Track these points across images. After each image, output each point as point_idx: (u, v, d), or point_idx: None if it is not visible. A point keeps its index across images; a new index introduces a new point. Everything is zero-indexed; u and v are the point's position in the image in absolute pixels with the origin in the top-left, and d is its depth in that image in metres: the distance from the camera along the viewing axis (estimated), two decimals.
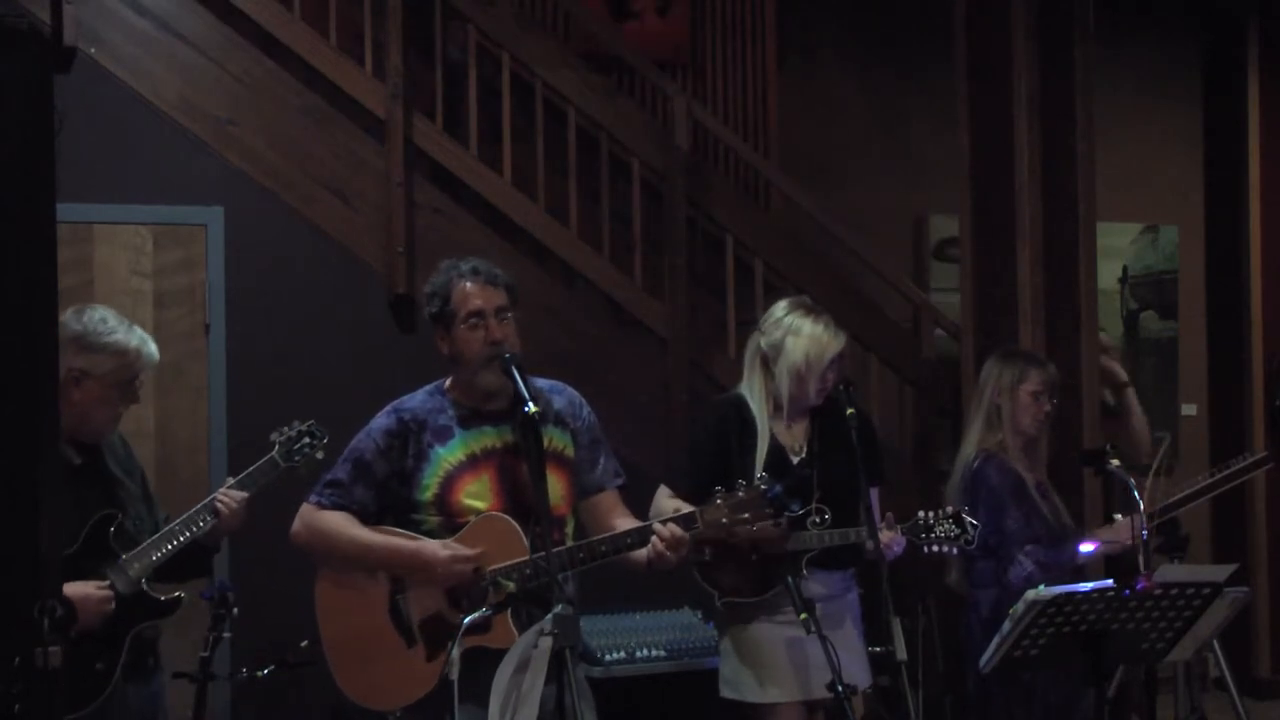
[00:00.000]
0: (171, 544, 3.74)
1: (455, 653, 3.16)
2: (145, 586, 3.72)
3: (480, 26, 5.99)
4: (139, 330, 3.75)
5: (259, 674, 4.18)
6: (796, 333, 4.16)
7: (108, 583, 3.63)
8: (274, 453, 3.89)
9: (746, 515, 3.31)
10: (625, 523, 3.49)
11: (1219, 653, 5.03)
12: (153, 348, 3.76)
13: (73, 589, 3.54)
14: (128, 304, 5.29)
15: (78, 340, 3.66)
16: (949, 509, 4.12)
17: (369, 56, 5.80)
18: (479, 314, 3.40)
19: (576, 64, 6.24)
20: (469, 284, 3.42)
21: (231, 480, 3.86)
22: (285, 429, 3.92)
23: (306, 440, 3.89)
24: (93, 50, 5.35)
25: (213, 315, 5.49)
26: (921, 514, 4.10)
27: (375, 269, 5.70)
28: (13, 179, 2.61)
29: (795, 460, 4.18)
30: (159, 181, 5.48)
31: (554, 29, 6.65)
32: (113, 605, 3.61)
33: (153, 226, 5.46)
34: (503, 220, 5.95)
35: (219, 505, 3.78)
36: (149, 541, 3.73)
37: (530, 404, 3.23)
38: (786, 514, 3.97)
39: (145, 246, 5.45)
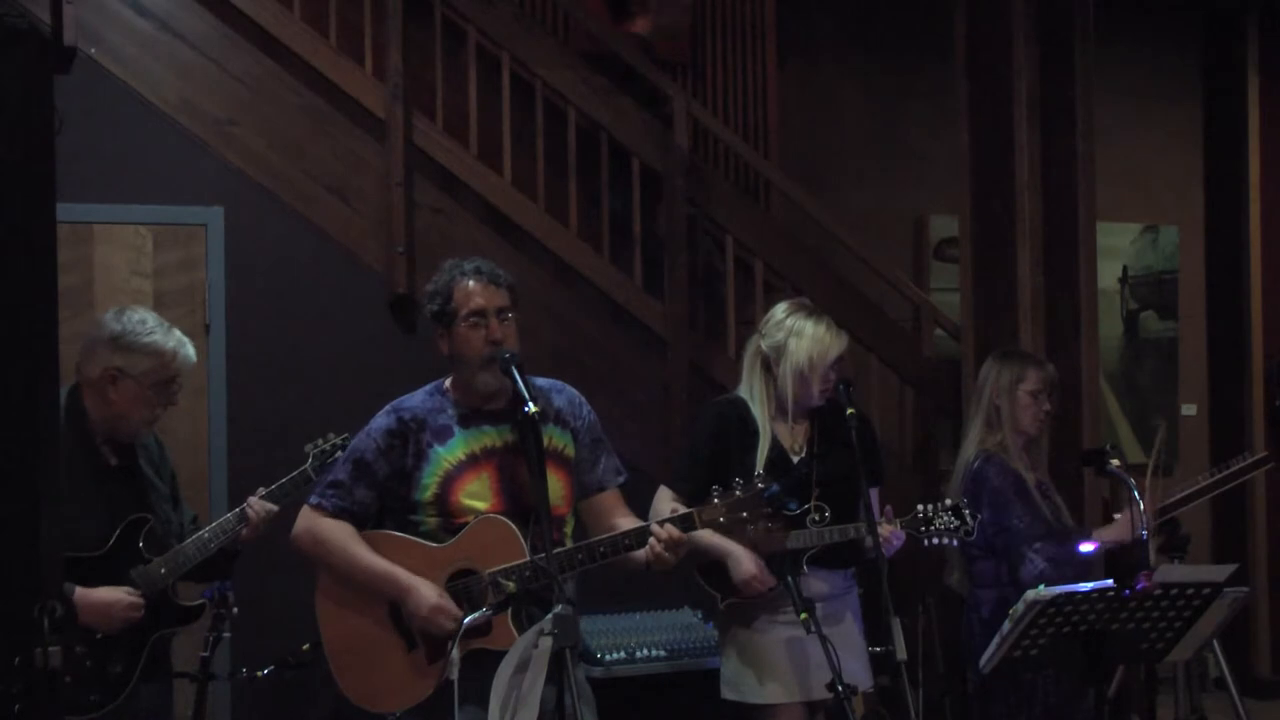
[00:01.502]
0: (200, 552, 3.77)
1: (455, 654, 3.16)
2: (171, 593, 3.75)
3: (480, 26, 5.99)
4: (178, 333, 3.79)
5: (259, 674, 4.18)
6: (799, 334, 4.16)
7: (139, 590, 3.65)
8: (307, 465, 3.92)
9: (744, 514, 3.31)
10: (626, 522, 3.48)
11: (1219, 653, 5.02)
12: (190, 350, 3.79)
13: (104, 594, 3.58)
14: (128, 304, 5.28)
15: (116, 340, 3.69)
16: (948, 501, 4.12)
17: (369, 56, 5.80)
18: (480, 313, 3.40)
19: (576, 64, 6.24)
20: (472, 283, 3.42)
21: (263, 490, 3.88)
22: (320, 441, 3.93)
23: (340, 454, 3.85)
24: (93, 50, 5.35)
25: (213, 315, 5.49)
26: (920, 507, 4.10)
27: (375, 269, 5.70)
28: (13, 179, 2.61)
29: (795, 460, 4.19)
30: (159, 181, 5.48)
31: (554, 29, 6.66)
32: (142, 612, 3.64)
33: (153, 226, 5.46)
34: (503, 220, 5.95)
35: (249, 513, 3.80)
36: (178, 548, 3.76)
37: (530, 404, 3.23)
38: (785, 512, 3.97)
39: (145, 246, 5.45)
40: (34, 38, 2.69)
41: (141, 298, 5.35)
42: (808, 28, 7.34)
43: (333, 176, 5.69)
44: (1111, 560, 4.74)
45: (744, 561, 4.00)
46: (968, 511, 4.10)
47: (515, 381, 3.29)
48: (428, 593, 3.33)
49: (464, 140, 5.91)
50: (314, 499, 3.51)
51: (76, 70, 5.27)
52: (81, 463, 3.68)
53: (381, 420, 3.48)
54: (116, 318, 3.75)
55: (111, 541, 3.67)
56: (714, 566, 4.14)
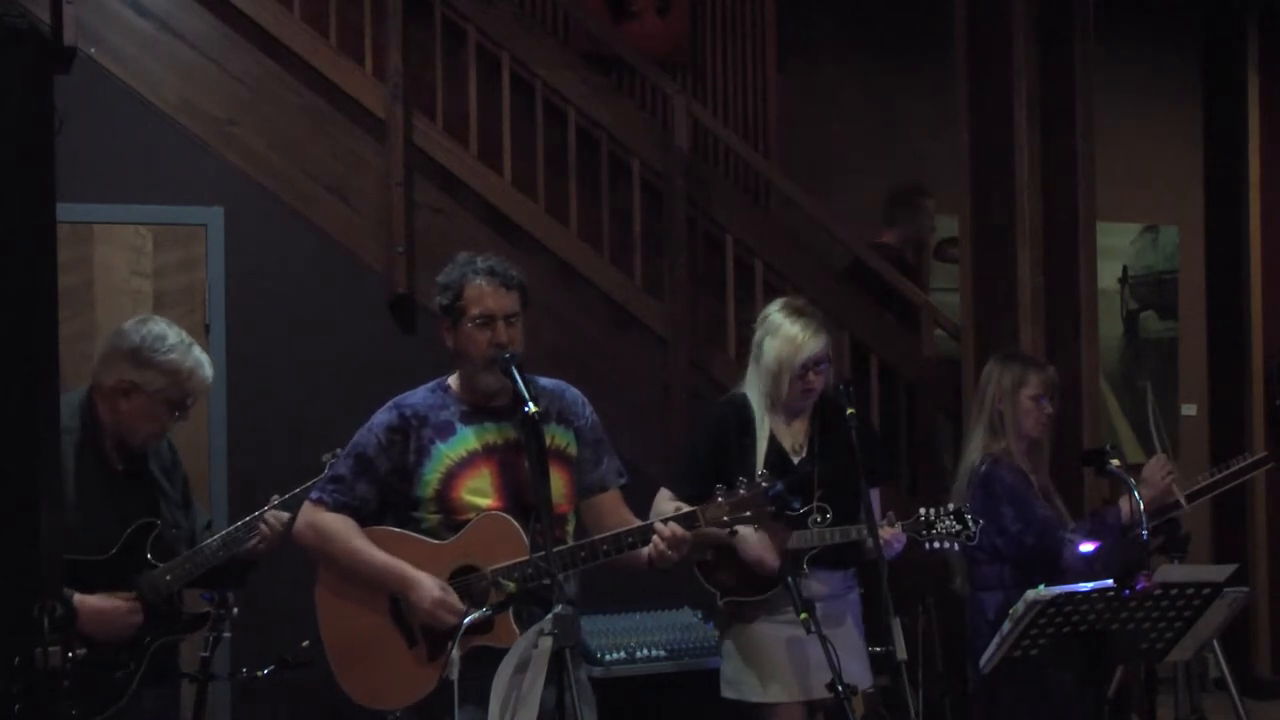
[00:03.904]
0: (210, 559, 3.75)
1: (455, 653, 3.15)
2: (176, 600, 3.74)
3: (480, 26, 5.99)
4: (197, 352, 3.74)
5: (259, 674, 4.18)
6: (774, 333, 4.18)
7: (136, 597, 3.64)
8: (324, 475, 3.87)
9: (748, 513, 3.31)
10: (628, 522, 3.48)
11: (1219, 653, 5.02)
12: (207, 372, 3.74)
13: (100, 602, 3.56)
14: (128, 304, 5.29)
15: (134, 353, 3.67)
16: (950, 506, 4.12)
17: (369, 56, 5.80)
18: (488, 316, 3.39)
19: (576, 64, 6.25)
20: (483, 283, 3.41)
21: (277, 499, 3.86)
22: (339, 451, 3.88)
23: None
24: (93, 50, 5.35)
25: (213, 315, 5.49)
26: (922, 511, 4.10)
27: (375, 269, 5.70)
28: (13, 179, 2.61)
29: (796, 460, 4.19)
30: (159, 181, 5.48)
31: (554, 29, 6.66)
32: (139, 619, 3.63)
33: (153, 226, 5.46)
34: (503, 220, 5.95)
35: (264, 526, 3.78)
36: (186, 555, 3.74)
37: (530, 404, 3.23)
38: (787, 512, 3.97)
39: (145, 246, 5.45)
40: (34, 38, 2.69)
41: (141, 298, 5.35)
42: (808, 28, 7.34)
43: (333, 176, 5.69)
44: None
45: (751, 542, 3.99)
46: (969, 516, 4.10)
47: (515, 382, 3.29)
48: (431, 587, 3.32)
49: (464, 140, 5.91)
50: (315, 494, 3.51)
51: (76, 70, 5.26)
52: (91, 466, 3.67)
53: (383, 416, 3.48)
54: (136, 329, 3.73)
55: (118, 546, 3.66)
56: (713, 564, 4.14)
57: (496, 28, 6.04)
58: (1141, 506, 4.21)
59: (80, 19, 5.23)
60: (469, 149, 5.91)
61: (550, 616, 3.05)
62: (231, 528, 3.82)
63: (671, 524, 3.33)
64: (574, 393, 3.59)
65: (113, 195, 5.38)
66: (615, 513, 3.55)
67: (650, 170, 6.20)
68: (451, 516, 3.38)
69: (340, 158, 5.71)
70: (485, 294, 3.40)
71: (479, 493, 3.38)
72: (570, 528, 3.50)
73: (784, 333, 4.16)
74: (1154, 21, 7.90)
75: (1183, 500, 4.69)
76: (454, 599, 3.31)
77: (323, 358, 5.59)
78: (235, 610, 3.86)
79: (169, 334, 3.72)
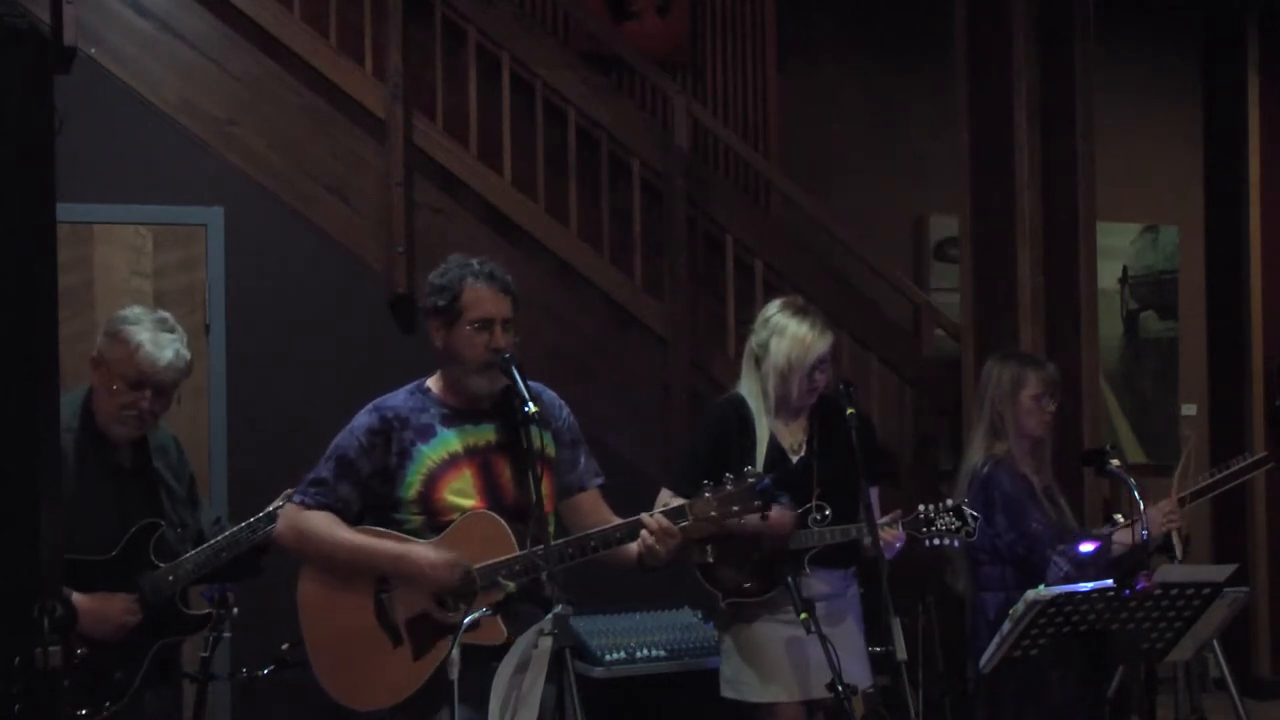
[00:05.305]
0: (211, 560, 3.74)
1: (455, 652, 3.15)
2: (178, 601, 3.73)
3: (480, 26, 5.99)
4: (168, 338, 3.70)
5: (259, 674, 4.17)
6: (781, 333, 4.16)
7: (135, 596, 3.63)
8: (305, 479, 3.86)
9: (736, 507, 3.32)
10: (608, 521, 3.49)
11: (1219, 653, 5.02)
12: (163, 354, 3.67)
13: (94, 601, 3.55)
14: (127, 304, 5.28)
15: (107, 324, 3.74)
16: (949, 502, 4.11)
17: (369, 56, 5.81)
18: (487, 320, 3.39)
19: (576, 64, 6.25)
20: (483, 287, 3.41)
21: (291, 492, 3.85)
22: None
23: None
24: (93, 50, 5.35)
25: (213, 315, 5.50)
26: (921, 507, 4.09)
27: (375, 269, 5.70)
28: (13, 179, 2.61)
29: (795, 459, 4.19)
30: (159, 181, 5.49)
31: (554, 29, 6.66)
32: (137, 619, 3.63)
33: (153, 226, 5.46)
34: (503, 220, 5.95)
35: None
36: (189, 555, 3.73)
37: (530, 404, 3.24)
38: (777, 505, 3.95)
39: (145, 246, 5.45)
40: (34, 38, 2.69)
41: (141, 298, 5.34)
42: (808, 28, 7.35)
43: (333, 176, 5.69)
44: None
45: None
46: (969, 512, 4.09)
47: (515, 382, 3.30)
48: (423, 550, 3.31)
49: (464, 140, 5.92)
50: (296, 497, 3.49)
51: (76, 70, 5.28)
52: (93, 465, 3.66)
53: (364, 418, 3.47)
54: (125, 307, 3.77)
55: (120, 546, 3.66)
56: (714, 566, 4.13)
57: (496, 28, 6.04)
58: (1142, 506, 4.21)
59: (80, 19, 5.24)
60: (469, 149, 5.91)
61: (550, 616, 3.05)
62: (235, 528, 3.81)
63: (658, 516, 3.34)
64: (551, 394, 3.59)
65: (113, 195, 5.39)
66: (595, 512, 3.56)
67: (650, 170, 6.20)
68: (435, 518, 3.37)
69: (340, 158, 5.71)
70: (485, 298, 3.40)
71: (461, 494, 3.38)
72: (551, 528, 3.49)
73: (791, 333, 4.15)
74: (1154, 21, 7.90)
75: (1180, 549, 4.68)
76: (450, 554, 3.30)
77: (323, 358, 5.59)
78: (235, 610, 3.86)
79: (144, 315, 3.72)
